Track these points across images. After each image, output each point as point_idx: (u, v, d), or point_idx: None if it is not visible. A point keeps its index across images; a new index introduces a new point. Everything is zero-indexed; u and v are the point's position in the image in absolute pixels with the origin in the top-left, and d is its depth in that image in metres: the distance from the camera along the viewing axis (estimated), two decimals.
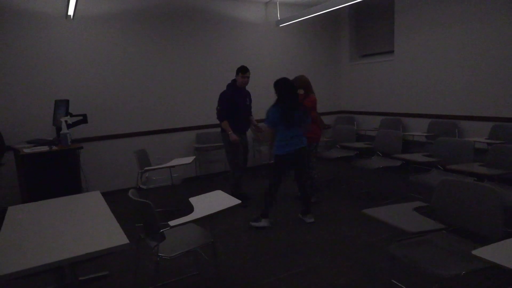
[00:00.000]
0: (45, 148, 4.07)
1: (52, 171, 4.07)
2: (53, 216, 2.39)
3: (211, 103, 4.76)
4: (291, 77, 4.06)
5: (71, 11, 4.59)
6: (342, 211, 4.38)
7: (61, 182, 4.11)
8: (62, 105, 4.51)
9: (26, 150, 3.99)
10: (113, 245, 1.84)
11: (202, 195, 2.85)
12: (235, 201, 2.61)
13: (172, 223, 2.31)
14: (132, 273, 3.07)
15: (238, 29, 6.33)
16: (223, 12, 6.16)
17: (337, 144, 5.77)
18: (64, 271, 2.21)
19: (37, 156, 3.97)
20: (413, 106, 6.04)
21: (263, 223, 3.97)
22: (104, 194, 2.85)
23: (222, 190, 2.95)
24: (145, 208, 2.38)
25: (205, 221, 2.51)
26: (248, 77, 4.71)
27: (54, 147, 4.13)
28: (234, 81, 4.77)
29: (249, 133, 5.09)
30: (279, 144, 3.85)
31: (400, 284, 2.74)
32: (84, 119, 4.56)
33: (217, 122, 4.75)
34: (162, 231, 2.37)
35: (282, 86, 3.86)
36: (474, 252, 1.69)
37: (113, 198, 4.96)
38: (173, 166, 4.31)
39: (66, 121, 4.23)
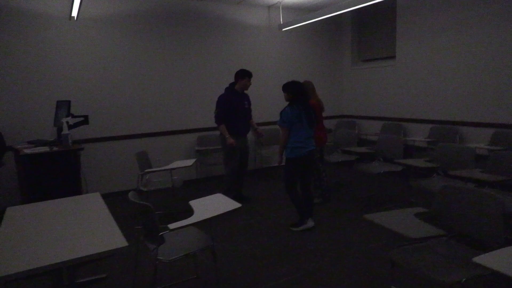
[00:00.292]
0: (45, 149, 4.07)
1: (52, 172, 4.06)
2: (52, 217, 2.38)
3: (213, 106, 4.75)
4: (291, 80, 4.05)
5: (75, 12, 4.60)
6: (343, 215, 4.36)
7: (61, 183, 4.10)
8: (63, 106, 4.52)
9: (27, 151, 3.99)
10: (112, 248, 1.83)
11: (202, 198, 2.84)
12: (235, 205, 2.60)
13: (171, 226, 2.30)
14: (130, 276, 3.06)
15: (240, 33, 6.34)
16: (226, 16, 6.17)
17: (338, 148, 5.77)
18: (62, 274, 2.20)
19: (37, 157, 3.97)
20: (414, 111, 6.03)
21: (309, 224, 3.96)
22: (104, 196, 2.85)
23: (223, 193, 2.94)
24: (145, 211, 2.37)
25: (205, 225, 2.50)
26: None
27: (55, 148, 4.12)
28: (232, 84, 4.76)
29: (250, 136, 5.08)
30: (293, 146, 3.81)
31: None
32: (85, 120, 4.56)
33: None
34: (162, 234, 2.36)
35: (295, 87, 3.85)
36: (475, 259, 1.67)
37: (113, 200, 4.96)
38: (174, 169, 4.30)
39: (67, 122, 4.23)
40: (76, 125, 4.47)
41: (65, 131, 4.19)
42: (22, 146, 4.30)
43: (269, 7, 6.53)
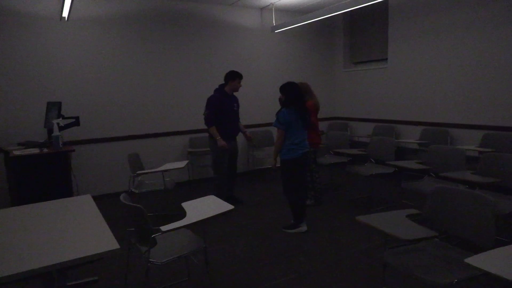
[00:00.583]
0: (36, 151, 4.03)
1: (43, 174, 4.01)
2: (42, 219, 2.35)
3: (205, 108, 4.73)
4: (284, 82, 4.04)
5: (65, 13, 4.56)
6: (336, 217, 4.37)
7: (52, 185, 4.06)
8: (54, 107, 4.47)
9: (16, 152, 3.94)
10: (104, 250, 1.81)
11: (195, 200, 2.83)
12: (228, 207, 2.59)
13: (164, 228, 2.28)
14: (122, 278, 3.03)
15: (233, 34, 6.34)
16: (219, 17, 6.17)
17: (330, 150, 5.79)
18: (53, 276, 2.17)
19: (27, 159, 3.92)
20: (406, 114, 6.07)
21: (302, 228, 3.96)
22: (95, 198, 2.82)
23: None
24: (137, 213, 2.36)
25: (198, 227, 2.48)
26: None
27: (45, 150, 4.08)
28: (221, 86, 4.71)
29: (240, 138, 5.06)
30: (289, 148, 3.80)
31: None
32: (76, 122, 4.52)
33: None
34: (154, 236, 2.34)
35: (292, 89, 3.85)
36: (467, 260, 1.69)
37: (105, 202, 4.91)
38: (166, 170, 4.28)
39: (58, 124, 4.18)
40: (67, 126, 4.43)
41: (56, 132, 4.14)
42: (12, 148, 4.25)
43: (262, 9, 6.54)
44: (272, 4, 6.26)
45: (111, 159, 5.49)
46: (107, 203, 4.55)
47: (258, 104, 6.66)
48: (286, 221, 4.17)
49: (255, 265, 3.27)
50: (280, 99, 4.05)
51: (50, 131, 4.30)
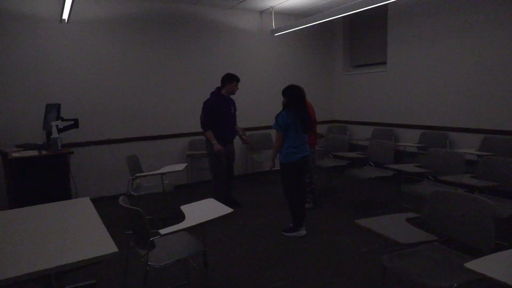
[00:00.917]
0: (34, 153, 4.01)
1: (41, 176, 4.00)
2: (40, 222, 2.34)
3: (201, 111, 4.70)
4: (284, 86, 4.04)
5: (65, 15, 4.57)
6: (335, 220, 4.37)
7: (50, 187, 4.05)
8: (53, 109, 4.46)
9: (15, 154, 3.93)
10: (102, 254, 1.80)
11: (194, 203, 2.82)
12: (227, 210, 2.59)
13: (162, 231, 2.27)
14: (120, 282, 3.02)
15: (233, 37, 6.34)
16: (219, 20, 6.17)
17: (329, 153, 5.79)
18: (50, 280, 2.16)
19: (26, 161, 3.91)
20: (404, 117, 6.08)
21: (301, 232, 3.95)
22: (93, 201, 2.81)
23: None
24: (135, 216, 2.35)
25: (197, 230, 2.48)
26: None
27: (44, 152, 4.07)
28: (218, 89, 4.68)
29: (237, 142, 5.04)
30: (288, 151, 3.79)
31: None
32: (75, 124, 4.51)
33: None
34: (152, 239, 2.33)
35: (293, 92, 3.84)
36: (466, 264, 1.68)
37: (103, 205, 4.90)
38: (165, 173, 4.27)
39: (57, 126, 4.17)
40: (65, 128, 4.42)
41: (55, 134, 4.14)
42: (11, 150, 4.24)
43: (262, 12, 6.55)
44: (272, 7, 6.27)
45: (110, 162, 5.49)
46: (105, 206, 4.54)
47: (257, 107, 6.66)
48: (285, 224, 4.16)
49: (254, 268, 3.26)
50: (283, 103, 4.03)
51: (49, 133, 4.29)
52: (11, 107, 4.80)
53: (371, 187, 5.03)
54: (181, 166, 4.44)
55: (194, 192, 5.74)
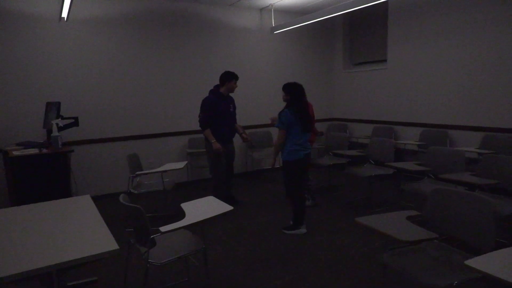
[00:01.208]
0: (35, 151, 4.02)
1: (42, 174, 4.01)
2: (41, 220, 2.34)
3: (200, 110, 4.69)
4: (284, 83, 4.03)
5: (65, 14, 4.56)
6: (335, 219, 4.37)
7: (51, 185, 4.05)
8: (53, 108, 4.47)
9: (16, 153, 3.93)
10: (103, 251, 1.80)
11: (194, 200, 2.82)
12: (227, 208, 2.59)
13: (163, 229, 2.28)
14: (121, 279, 3.02)
15: (232, 35, 6.33)
16: (218, 18, 6.16)
17: (329, 151, 5.78)
18: (52, 277, 2.16)
19: (26, 159, 3.91)
20: (405, 115, 6.08)
21: (301, 230, 3.95)
22: (94, 198, 2.81)
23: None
24: (136, 213, 2.35)
25: (197, 227, 2.48)
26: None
27: (44, 150, 4.07)
28: (217, 87, 4.65)
29: (238, 139, 5.03)
30: (291, 149, 3.78)
31: None
32: (75, 122, 4.51)
33: None
34: (153, 237, 2.34)
35: (296, 89, 3.83)
36: (467, 262, 1.68)
37: (104, 203, 4.90)
38: (165, 171, 4.27)
39: (57, 124, 4.18)
40: (66, 127, 4.42)
41: (55, 133, 4.14)
42: (11, 148, 4.24)
43: (261, 9, 6.54)
44: (272, 5, 6.26)
45: (110, 160, 5.49)
46: (106, 204, 4.54)
47: (257, 105, 6.66)
48: (285, 222, 4.17)
49: (254, 266, 3.27)
50: (283, 98, 4.01)
51: (49, 131, 4.30)
52: (12, 106, 4.80)
53: (371, 185, 5.03)
54: (181, 164, 4.44)
55: (194, 190, 5.75)
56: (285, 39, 6.88)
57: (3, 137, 4.72)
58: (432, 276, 2.10)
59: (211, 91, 4.67)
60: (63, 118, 4.33)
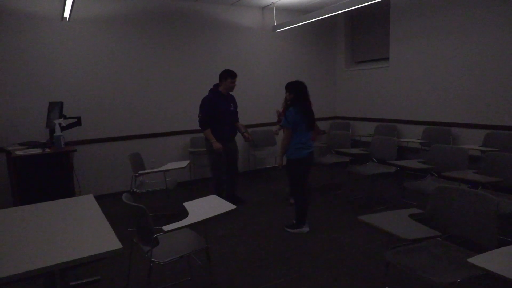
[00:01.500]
0: (38, 151, 4.03)
1: (45, 174, 4.02)
2: (45, 220, 2.35)
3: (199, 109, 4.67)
4: (286, 82, 4.03)
5: (67, 13, 4.56)
6: (337, 217, 4.37)
7: (54, 185, 4.06)
8: (56, 107, 4.47)
9: (19, 152, 3.94)
10: (106, 250, 1.81)
11: (196, 199, 2.83)
12: (230, 206, 2.59)
13: (166, 228, 2.28)
14: (124, 278, 3.03)
15: (234, 34, 6.33)
16: (220, 17, 6.16)
17: (332, 149, 5.78)
18: (55, 276, 2.17)
19: (29, 159, 3.92)
20: (407, 113, 6.06)
21: (304, 229, 3.95)
22: (97, 198, 2.82)
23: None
24: (138, 213, 2.36)
25: (200, 226, 2.48)
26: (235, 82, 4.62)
27: (47, 150, 4.08)
28: (216, 85, 4.62)
29: (240, 138, 5.01)
30: (297, 147, 3.78)
31: None
32: (78, 122, 4.52)
33: None
34: (156, 236, 2.34)
35: (300, 88, 3.83)
36: (470, 260, 1.68)
37: (107, 202, 4.91)
38: (168, 170, 4.27)
39: (59, 124, 4.19)
40: (68, 126, 4.44)
41: (58, 132, 4.15)
42: (14, 148, 4.25)
43: (263, 8, 6.54)
44: (273, 3, 6.25)
45: (112, 159, 5.50)
46: (109, 203, 4.55)
47: (259, 104, 6.66)
48: (288, 220, 4.17)
49: (257, 264, 3.27)
50: (286, 97, 3.99)
51: (52, 131, 4.31)
52: (14, 106, 4.82)
53: (374, 183, 5.03)
54: (183, 163, 4.45)
55: (197, 189, 5.75)
56: (287, 38, 6.87)
57: (6, 137, 4.74)
58: (435, 273, 2.10)
59: (210, 90, 4.65)
60: (65, 117, 4.34)
